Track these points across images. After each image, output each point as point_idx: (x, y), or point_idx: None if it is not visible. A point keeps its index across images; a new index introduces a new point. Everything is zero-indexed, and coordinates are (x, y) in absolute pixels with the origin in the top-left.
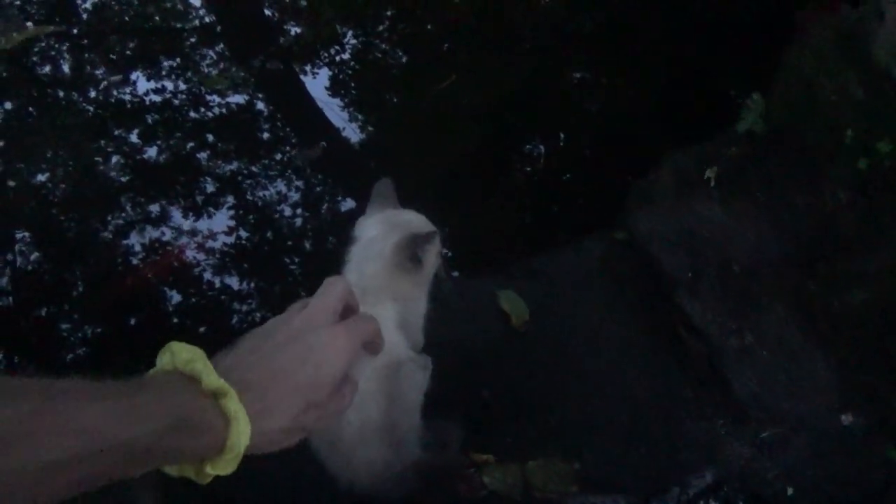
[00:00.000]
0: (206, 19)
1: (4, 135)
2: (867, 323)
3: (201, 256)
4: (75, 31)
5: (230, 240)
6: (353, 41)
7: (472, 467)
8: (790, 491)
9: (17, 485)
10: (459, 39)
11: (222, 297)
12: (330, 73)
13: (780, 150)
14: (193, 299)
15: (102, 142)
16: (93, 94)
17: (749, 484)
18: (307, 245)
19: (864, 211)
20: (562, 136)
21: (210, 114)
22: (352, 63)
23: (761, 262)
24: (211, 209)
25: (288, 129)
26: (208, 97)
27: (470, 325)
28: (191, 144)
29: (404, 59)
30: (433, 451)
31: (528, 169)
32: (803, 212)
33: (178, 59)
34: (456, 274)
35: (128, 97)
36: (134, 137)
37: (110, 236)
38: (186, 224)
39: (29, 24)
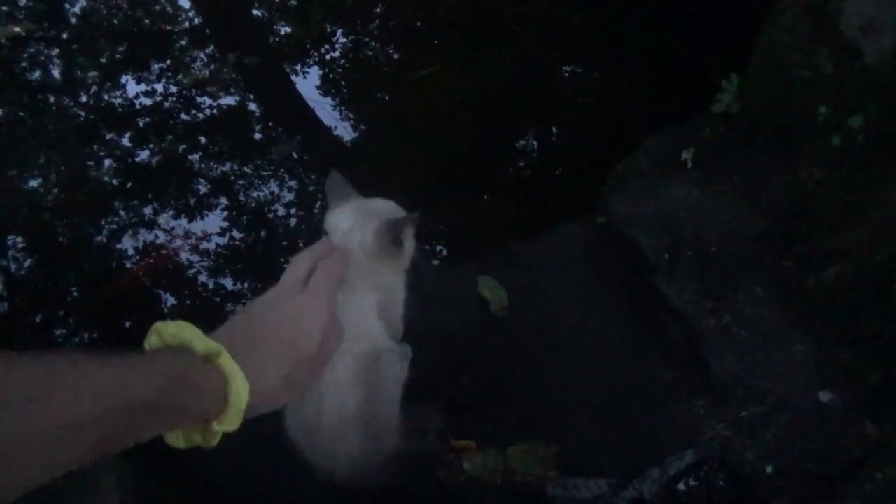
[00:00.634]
0: (196, 21)
1: None
2: (842, 299)
3: (195, 258)
4: (64, 35)
5: (223, 240)
6: (343, 40)
7: (452, 454)
8: (769, 469)
9: (35, 448)
10: (448, 35)
11: (216, 298)
12: (320, 71)
13: (756, 129)
14: (188, 301)
15: (94, 146)
16: (83, 98)
17: (728, 463)
18: (300, 244)
19: (838, 187)
20: (540, 122)
21: (201, 115)
22: (342, 62)
23: (738, 243)
24: (204, 210)
25: (279, 129)
26: (199, 99)
27: (449, 312)
28: (182, 146)
29: (395, 56)
30: (413, 439)
31: (508, 156)
32: (779, 191)
33: (168, 62)
34: (436, 262)
35: (118, 100)
36: (125, 141)
37: (104, 240)
38: (179, 226)
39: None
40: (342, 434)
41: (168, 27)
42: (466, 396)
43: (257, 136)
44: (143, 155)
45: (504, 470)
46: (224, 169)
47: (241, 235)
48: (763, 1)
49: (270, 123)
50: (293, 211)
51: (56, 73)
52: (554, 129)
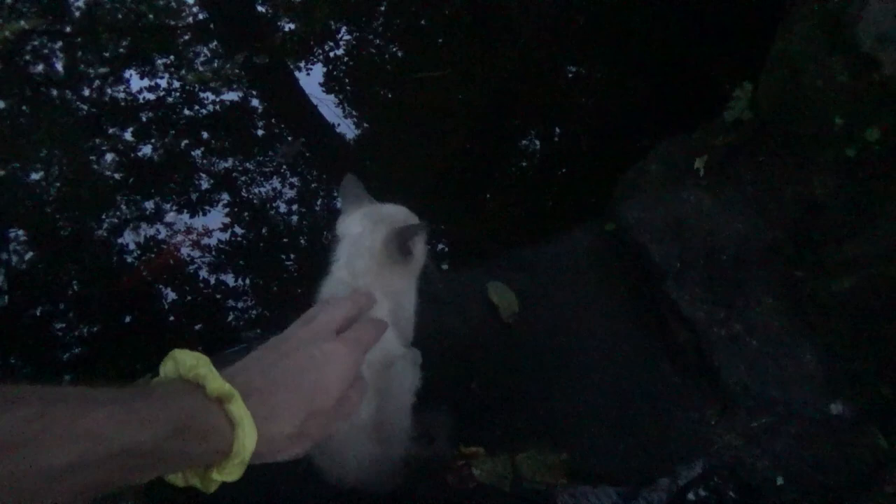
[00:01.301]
0: (200, 16)
1: None
2: (854, 310)
3: (196, 253)
4: (68, 28)
5: (225, 236)
6: (347, 37)
7: (461, 459)
8: (780, 480)
9: (20, 492)
10: (453, 34)
11: (218, 294)
12: (324, 69)
13: (769, 138)
14: (189, 297)
15: (97, 140)
16: (86, 92)
17: (738, 473)
18: (302, 241)
19: (851, 198)
20: (551, 127)
21: (204, 111)
22: (346, 59)
23: (749, 251)
24: (206, 206)
25: (282, 126)
26: (202, 94)
27: (459, 318)
28: (185, 142)
29: (399, 54)
30: (422, 444)
31: (518, 160)
32: (791, 200)
33: (171, 57)
34: (445, 266)
35: (121, 95)
36: (128, 135)
37: (105, 234)
38: (181, 221)
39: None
40: (354, 440)
41: (172, 22)
42: (475, 402)
43: (260, 132)
44: (146, 150)
45: (513, 477)
46: (226, 165)
47: (243, 231)
48: (776, 9)
49: (273, 120)
50: (295, 208)
51: (59, 66)
52: (562, 132)
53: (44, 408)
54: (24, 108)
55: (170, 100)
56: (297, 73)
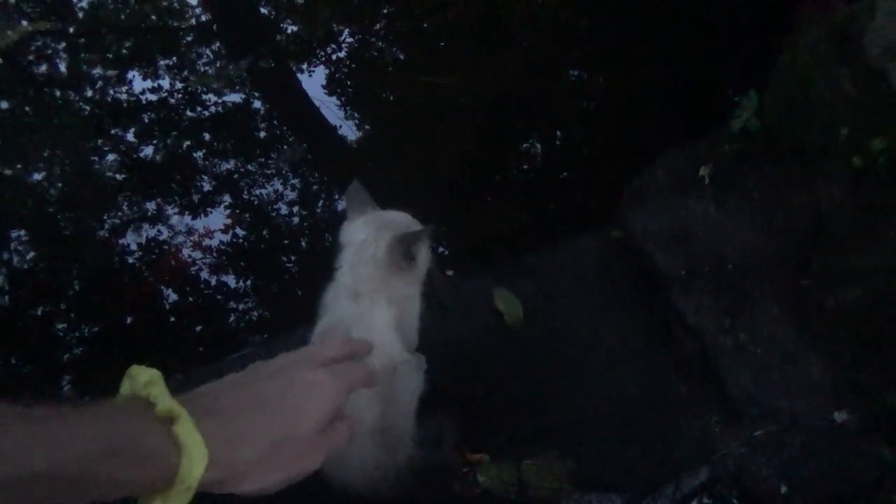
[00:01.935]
0: (203, 18)
1: (1, 134)
2: (860, 321)
3: (198, 255)
4: (71, 29)
5: (227, 238)
6: (350, 39)
7: (466, 466)
8: (784, 488)
9: None
10: (456, 38)
11: (219, 296)
12: (326, 71)
13: (775, 147)
14: (190, 298)
15: (99, 140)
16: (89, 92)
17: (743, 482)
18: (303, 243)
19: (858, 209)
20: (557, 132)
21: (206, 112)
22: (348, 61)
23: (755, 260)
24: (207, 208)
25: (284, 128)
26: (204, 96)
27: (464, 323)
28: (187, 143)
29: (401, 57)
30: (427, 450)
31: (524, 166)
32: (797, 209)
33: (174, 59)
34: (450, 272)
35: (124, 96)
36: (130, 136)
37: (107, 235)
38: (183, 223)
39: (24, 22)
40: (358, 446)
41: (175, 23)
42: (480, 408)
43: (262, 134)
44: (148, 151)
45: (518, 484)
46: (228, 166)
47: (244, 233)
48: (783, 18)
49: (275, 122)
50: (296, 209)
51: (62, 67)
52: (568, 137)
53: None
54: (26, 108)
55: (172, 101)
56: (299, 75)
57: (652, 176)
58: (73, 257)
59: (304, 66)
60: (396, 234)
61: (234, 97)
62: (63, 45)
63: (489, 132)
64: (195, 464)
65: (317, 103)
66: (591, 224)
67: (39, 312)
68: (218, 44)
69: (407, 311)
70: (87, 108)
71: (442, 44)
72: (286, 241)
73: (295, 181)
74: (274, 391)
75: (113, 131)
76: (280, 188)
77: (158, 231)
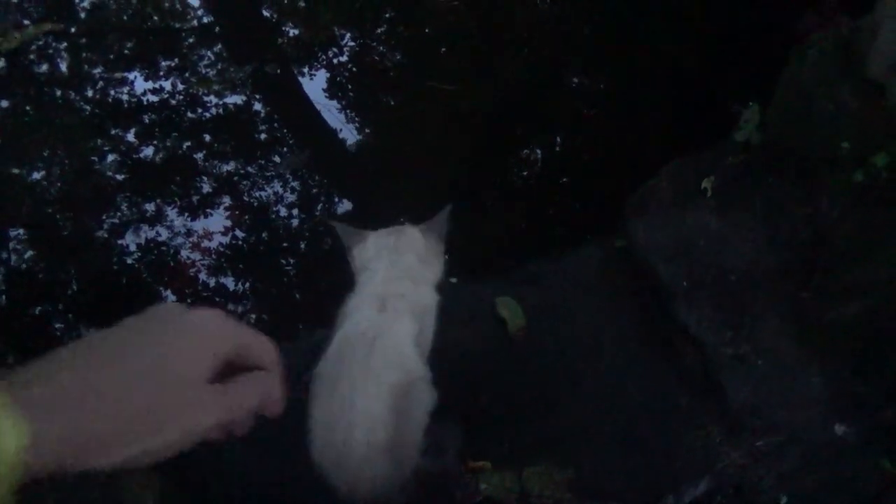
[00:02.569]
0: (205, 20)
1: (1, 133)
2: (861, 334)
3: (197, 256)
4: (73, 29)
5: (226, 240)
6: (352, 43)
7: (469, 473)
8: (784, 500)
9: None
10: (458, 43)
11: (217, 297)
12: (328, 74)
13: (778, 160)
14: (189, 299)
15: (99, 140)
16: (90, 93)
17: (743, 492)
18: (302, 246)
19: (859, 223)
20: (561, 141)
21: (207, 114)
22: (349, 65)
23: (757, 273)
24: (207, 209)
25: (285, 131)
26: (205, 98)
27: (467, 331)
28: (187, 144)
29: (402, 62)
30: (431, 458)
31: (527, 174)
32: (800, 223)
33: (175, 60)
34: (454, 280)
35: (125, 96)
36: (131, 137)
37: (106, 235)
38: (182, 224)
39: (27, 22)
40: (369, 460)
41: (177, 24)
42: (483, 416)
43: (262, 136)
44: (148, 151)
45: (520, 492)
46: (228, 168)
47: (244, 235)
48: (787, 32)
49: (276, 124)
50: (295, 212)
51: (63, 67)
52: (572, 145)
53: None
54: (27, 107)
55: (173, 102)
56: (300, 78)
57: (654, 187)
58: (72, 257)
59: (306, 70)
60: (420, 228)
61: (235, 99)
62: (64, 45)
63: (490, 138)
64: (8, 440)
65: (318, 106)
66: (594, 232)
67: (37, 312)
68: (219, 46)
69: (426, 325)
70: (88, 108)
71: (443, 49)
72: (285, 244)
73: (295, 184)
74: (127, 337)
75: (113, 132)
76: (280, 191)
77: (157, 232)
